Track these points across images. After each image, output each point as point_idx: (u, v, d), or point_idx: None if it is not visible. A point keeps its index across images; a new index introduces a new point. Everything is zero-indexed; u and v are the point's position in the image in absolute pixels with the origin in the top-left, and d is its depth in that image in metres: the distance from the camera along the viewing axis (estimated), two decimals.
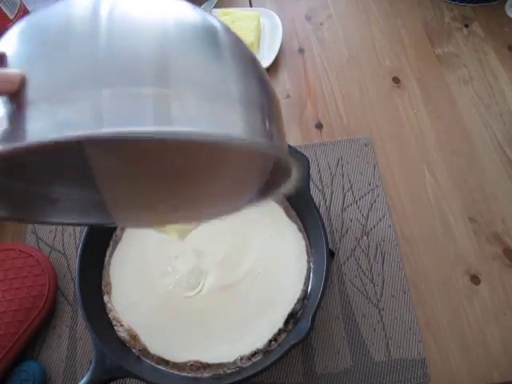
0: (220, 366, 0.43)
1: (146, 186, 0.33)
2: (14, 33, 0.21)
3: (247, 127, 0.21)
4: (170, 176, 0.32)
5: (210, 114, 0.19)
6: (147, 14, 0.20)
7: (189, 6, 0.22)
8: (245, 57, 0.23)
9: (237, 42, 0.23)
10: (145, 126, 0.18)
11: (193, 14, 0.22)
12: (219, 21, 0.23)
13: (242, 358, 0.42)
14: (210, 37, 0.21)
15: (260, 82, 0.23)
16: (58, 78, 0.18)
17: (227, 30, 0.23)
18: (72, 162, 0.30)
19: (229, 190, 0.33)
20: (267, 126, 0.22)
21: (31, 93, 0.18)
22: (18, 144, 0.17)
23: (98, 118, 0.17)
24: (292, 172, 0.25)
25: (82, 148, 0.29)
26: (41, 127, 0.17)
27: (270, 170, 0.30)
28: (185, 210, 0.35)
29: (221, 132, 0.19)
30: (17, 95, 0.18)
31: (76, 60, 0.18)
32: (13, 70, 0.19)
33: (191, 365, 0.43)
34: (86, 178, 0.32)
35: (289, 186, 0.28)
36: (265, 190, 0.31)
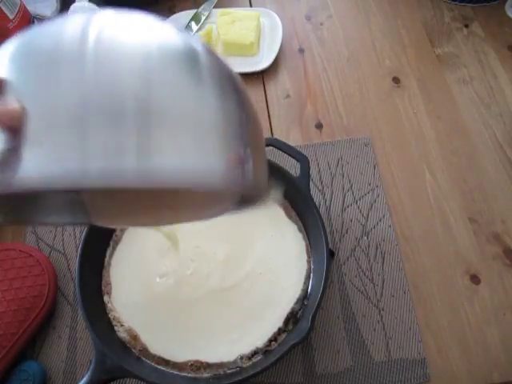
0: (220, 365, 0.43)
1: (126, 201, 0.34)
2: (3, 57, 0.21)
3: (223, 158, 0.22)
4: (148, 201, 0.34)
5: (189, 145, 0.21)
6: (132, 39, 0.21)
7: (172, 30, 0.23)
8: (224, 77, 0.24)
9: (217, 63, 0.24)
10: (128, 160, 0.19)
11: (175, 38, 0.23)
12: (201, 43, 0.24)
13: (242, 358, 0.42)
14: (191, 60, 0.23)
15: (238, 101, 0.24)
16: (47, 110, 0.19)
17: (208, 51, 0.24)
18: None
19: (205, 209, 0.36)
20: (244, 152, 0.23)
21: (26, 126, 0.19)
22: (5, 189, 0.19)
23: (85, 153, 0.19)
24: (268, 192, 0.27)
25: None
26: (34, 161, 0.19)
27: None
28: (165, 217, 0.37)
29: (195, 181, 0.21)
30: (18, 130, 0.19)
31: (65, 91, 0.20)
32: (14, 106, 0.19)
33: (191, 364, 0.43)
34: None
35: (266, 202, 0.29)
36: (241, 204, 0.33)
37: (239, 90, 0.25)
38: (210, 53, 0.24)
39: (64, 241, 0.53)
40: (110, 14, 0.23)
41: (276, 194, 0.27)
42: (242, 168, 0.23)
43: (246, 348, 0.43)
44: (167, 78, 0.21)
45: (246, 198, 0.31)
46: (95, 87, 0.20)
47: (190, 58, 0.23)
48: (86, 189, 0.18)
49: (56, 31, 0.22)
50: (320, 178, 0.56)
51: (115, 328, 0.44)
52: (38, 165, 0.19)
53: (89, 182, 0.18)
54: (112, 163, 0.19)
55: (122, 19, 0.23)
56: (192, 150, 0.21)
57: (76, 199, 0.34)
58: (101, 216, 0.36)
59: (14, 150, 0.19)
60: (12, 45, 0.22)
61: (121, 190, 0.19)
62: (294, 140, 0.59)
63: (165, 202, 0.34)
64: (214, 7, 0.70)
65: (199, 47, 0.24)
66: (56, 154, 0.19)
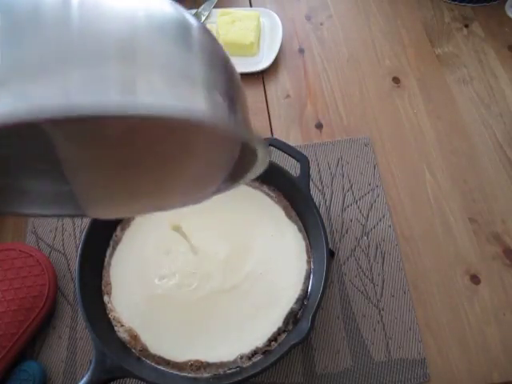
0: (220, 365, 0.43)
1: (114, 172, 0.32)
2: None
3: (211, 107, 0.21)
4: (138, 161, 0.31)
5: (175, 92, 0.20)
6: (119, 3, 0.21)
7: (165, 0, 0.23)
8: (215, 51, 0.24)
9: (210, 40, 0.23)
10: (112, 93, 0.18)
11: (165, 7, 0.22)
12: (197, 19, 0.24)
13: (242, 357, 0.42)
14: (180, 29, 0.22)
15: (228, 72, 0.24)
16: (25, 58, 0.18)
17: (203, 28, 0.23)
18: (37, 145, 0.30)
19: (199, 173, 0.33)
20: (232, 112, 0.23)
21: None
22: None
23: (65, 94, 0.17)
24: (258, 153, 0.25)
25: (46, 128, 0.29)
26: (6, 105, 0.17)
27: (237, 152, 0.30)
28: (154, 197, 0.34)
29: (183, 107, 0.20)
30: None
31: (45, 42, 0.19)
32: None
33: (191, 364, 0.43)
34: (54, 168, 0.32)
35: (258, 169, 0.28)
36: (234, 174, 0.31)
37: (230, 65, 0.24)
38: (205, 30, 0.24)
39: (64, 241, 0.53)
40: None
41: (263, 149, 0.26)
42: (230, 111, 0.22)
43: (246, 348, 0.43)
44: (153, 38, 0.20)
45: (240, 162, 0.30)
46: (77, 42, 0.19)
47: (180, 27, 0.22)
48: (67, 116, 0.16)
49: None
50: (320, 178, 0.56)
51: (115, 328, 0.44)
52: (11, 97, 0.17)
53: (69, 109, 0.17)
54: (94, 95, 0.18)
55: None
56: (179, 89, 0.20)
57: (63, 190, 0.33)
58: (92, 202, 0.34)
59: None
60: None
61: (104, 120, 0.17)
62: (294, 140, 0.59)
63: (153, 167, 0.32)
64: (214, 7, 0.70)
65: (194, 22, 0.23)
66: (32, 87, 0.17)
